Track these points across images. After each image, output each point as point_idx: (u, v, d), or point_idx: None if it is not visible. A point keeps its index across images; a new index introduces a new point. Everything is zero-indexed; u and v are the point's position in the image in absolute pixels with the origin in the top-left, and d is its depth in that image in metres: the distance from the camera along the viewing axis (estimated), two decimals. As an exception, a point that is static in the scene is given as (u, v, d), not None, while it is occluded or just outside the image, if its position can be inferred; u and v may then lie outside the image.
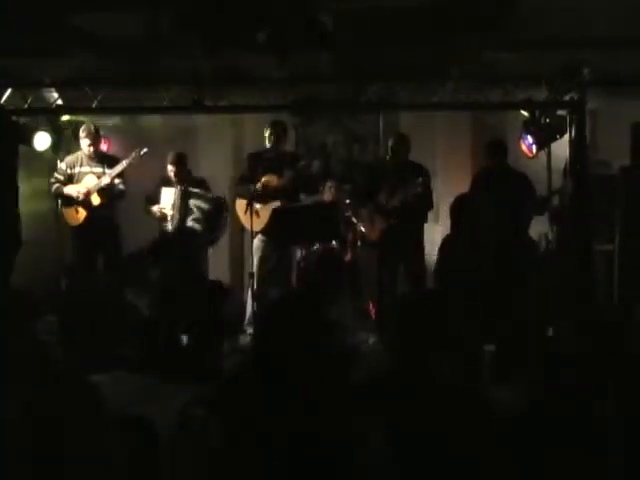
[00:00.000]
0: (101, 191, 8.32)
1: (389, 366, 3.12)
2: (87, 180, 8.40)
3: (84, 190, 8.33)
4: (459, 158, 9.35)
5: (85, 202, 8.36)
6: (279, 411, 2.73)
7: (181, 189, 8.39)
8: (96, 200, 8.33)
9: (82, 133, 8.48)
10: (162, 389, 5.60)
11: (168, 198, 8.42)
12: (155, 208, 8.44)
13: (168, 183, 8.49)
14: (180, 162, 8.45)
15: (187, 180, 8.45)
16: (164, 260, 8.32)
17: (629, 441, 2.75)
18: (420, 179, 7.93)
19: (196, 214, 8.39)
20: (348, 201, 8.56)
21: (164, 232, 8.43)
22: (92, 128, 8.50)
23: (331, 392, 2.82)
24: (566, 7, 7.28)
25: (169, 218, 8.39)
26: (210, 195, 8.46)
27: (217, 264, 8.83)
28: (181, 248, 8.28)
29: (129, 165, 8.35)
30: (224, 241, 9.13)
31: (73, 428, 2.59)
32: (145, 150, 8.32)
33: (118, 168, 8.32)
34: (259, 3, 7.33)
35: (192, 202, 8.38)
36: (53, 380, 2.77)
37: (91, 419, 2.66)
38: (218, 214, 8.47)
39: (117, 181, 8.40)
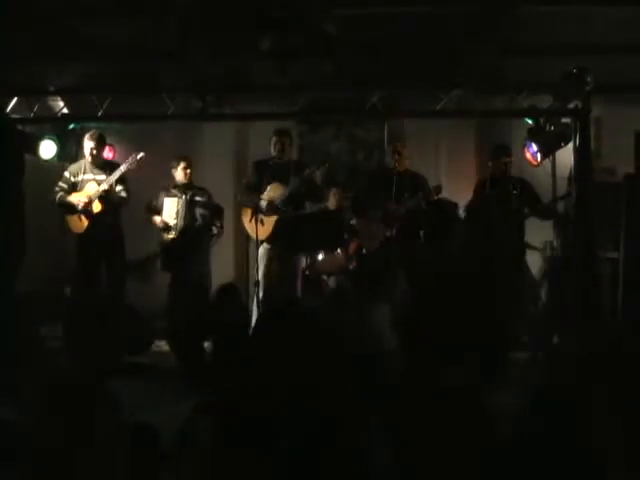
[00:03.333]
0: (102, 198, 8.33)
1: (392, 369, 3.14)
2: (89, 188, 8.40)
3: (85, 198, 8.34)
4: (464, 166, 9.37)
5: (87, 210, 8.35)
6: (280, 419, 2.74)
7: (186, 198, 8.57)
8: (97, 207, 8.33)
9: (87, 137, 8.50)
10: (164, 396, 5.62)
11: (171, 208, 8.57)
12: (157, 219, 8.62)
13: (169, 192, 8.64)
14: (190, 166, 8.66)
15: (191, 187, 8.59)
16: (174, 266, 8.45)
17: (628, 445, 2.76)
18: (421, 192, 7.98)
19: (200, 221, 8.56)
20: (352, 209, 8.56)
21: (168, 240, 8.53)
22: (97, 133, 8.54)
23: (330, 396, 2.83)
24: (570, 13, 7.28)
25: (172, 227, 8.53)
26: (211, 203, 8.66)
27: (222, 273, 8.83)
28: (189, 253, 8.40)
29: (129, 171, 8.37)
30: (229, 249, 9.15)
31: (78, 434, 2.60)
32: (141, 155, 8.33)
33: (116, 174, 8.33)
34: (262, 10, 7.34)
35: (198, 211, 8.55)
36: (57, 384, 2.78)
37: (97, 426, 2.67)
38: (215, 219, 8.71)
39: (119, 188, 8.41)
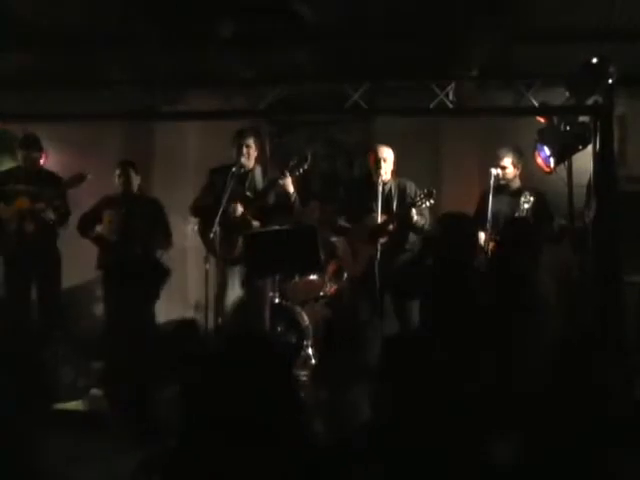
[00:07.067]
0: (36, 216, 8.16)
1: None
2: (20, 201, 8.23)
3: (15, 214, 8.16)
4: (464, 173, 9.30)
5: (18, 227, 8.19)
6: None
7: (124, 210, 8.34)
8: (30, 227, 8.18)
9: (19, 141, 8.38)
10: (105, 449, 5.54)
11: (106, 222, 8.38)
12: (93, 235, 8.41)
13: (111, 204, 8.43)
14: (125, 173, 8.44)
15: (135, 196, 8.46)
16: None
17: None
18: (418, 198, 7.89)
19: (140, 238, 8.34)
20: (331, 224, 8.46)
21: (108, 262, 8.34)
22: (30, 137, 8.40)
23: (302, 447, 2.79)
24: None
25: (112, 245, 8.32)
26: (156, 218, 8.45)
27: (178, 298, 8.75)
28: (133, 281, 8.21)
29: (70, 188, 8.21)
30: (185, 272, 9.05)
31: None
32: (89, 176, 8.11)
33: (58, 191, 8.18)
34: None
35: (137, 224, 8.32)
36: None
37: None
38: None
39: (56, 203, 8.26)
